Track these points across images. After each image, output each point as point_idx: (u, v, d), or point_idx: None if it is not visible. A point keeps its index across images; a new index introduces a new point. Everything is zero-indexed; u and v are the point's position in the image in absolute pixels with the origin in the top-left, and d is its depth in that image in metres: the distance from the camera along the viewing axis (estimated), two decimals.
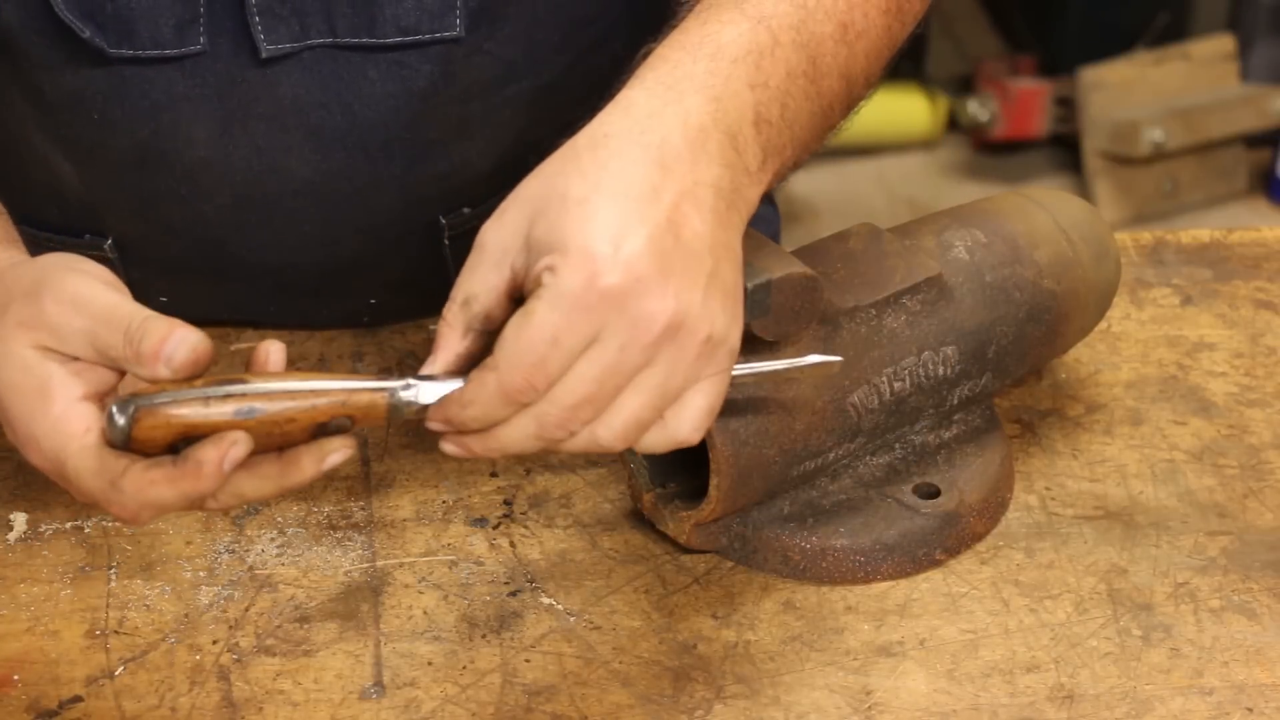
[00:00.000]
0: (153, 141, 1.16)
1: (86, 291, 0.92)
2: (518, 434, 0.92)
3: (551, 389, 0.90)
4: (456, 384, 0.91)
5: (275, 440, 0.90)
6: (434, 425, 0.93)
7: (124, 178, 1.19)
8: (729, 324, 0.93)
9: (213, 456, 0.88)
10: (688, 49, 0.97)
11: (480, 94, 1.18)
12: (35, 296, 0.92)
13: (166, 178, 1.18)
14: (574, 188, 0.90)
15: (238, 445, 0.88)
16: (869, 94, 1.07)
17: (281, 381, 0.90)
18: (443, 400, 0.92)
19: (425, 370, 0.93)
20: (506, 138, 1.21)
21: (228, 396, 0.88)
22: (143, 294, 1.25)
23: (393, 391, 0.91)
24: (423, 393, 0.92)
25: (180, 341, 0.89)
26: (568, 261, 0.89)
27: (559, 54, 1.19)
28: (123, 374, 0.92)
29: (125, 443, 0.88)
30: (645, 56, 0.98)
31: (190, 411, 0.88)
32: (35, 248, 1.25)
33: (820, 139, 1.03)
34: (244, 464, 0.89)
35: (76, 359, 0.92)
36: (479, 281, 0.92)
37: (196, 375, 0.89)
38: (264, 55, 1.12)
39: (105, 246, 1.23)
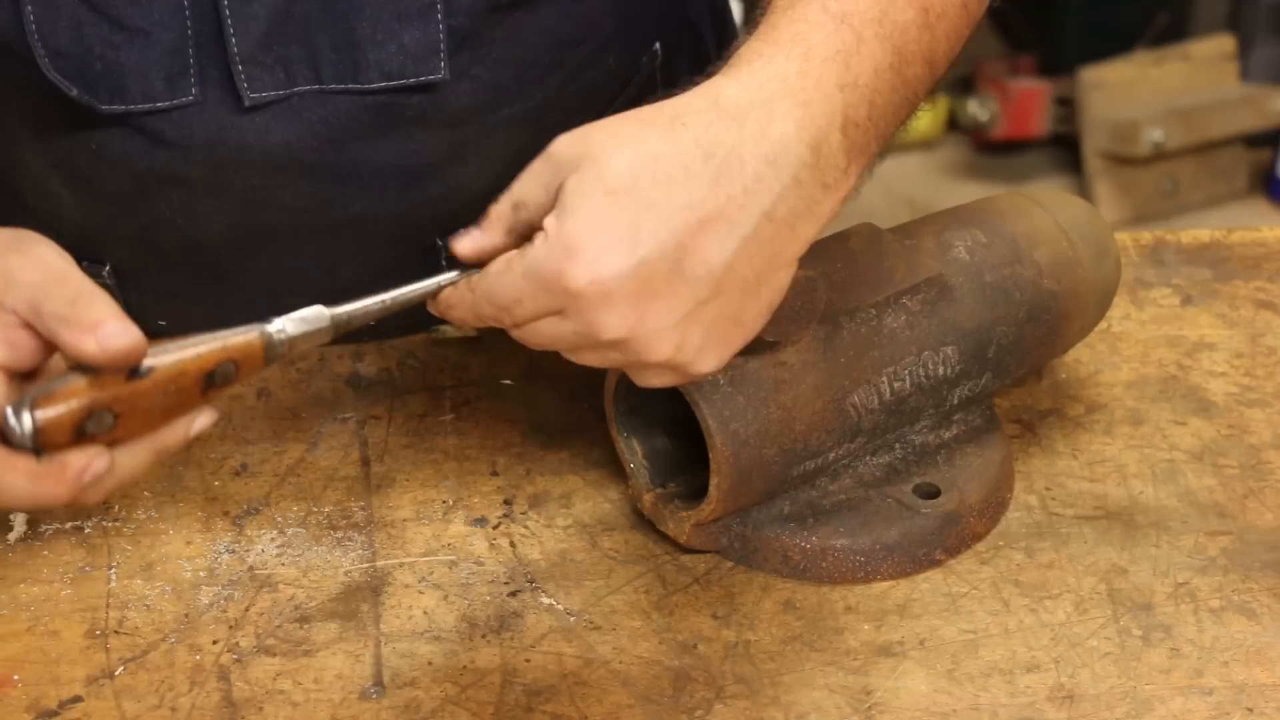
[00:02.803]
0: (148, 176, 1.16)
1: (53, 257, 0.92)
2: None
3: (518, 326, 0.96)
4: (316, 312, 0.97)
5: (171, 400, 0.92)
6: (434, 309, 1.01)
7: (121, 207, 1.19)
8: (702, 352, 0.96)
9: (78, 462, 0.89)
10: (781, 46, 0.97)
11: (472, 119, 1.18)
12: (3, 251, 0.92)
13: (163, 209, 1.18)
14: (617, 167, 0.92)
15: (100, 458, 0.89)
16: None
17: (163, 344, 0.92)
18: (434, 299, 1.00)
19: (464, 236, 0.98)
20: (502, 159, 1.20)
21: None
22: (141, 319, 1.25)
23: (264, 330, 0.95)
24: (290, 327, 0.96)
25: (124, 331, 0.88)
26: (555, 239, 0.92)
27: (550, 75, 1.19)
28: (43, 359, 0.91)
29: (34, 436, 0.88)
30: (736, 48, 0.98)
31: (87, 382, 0.88)
32: None
33: (904, 125, 1.03)
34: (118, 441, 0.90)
35: (11, 317, 0.90)
36: (532, 192, 0.96)
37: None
38: (247, 104, 1.12)
39: (103, 273, 1.23)
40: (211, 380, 0.93)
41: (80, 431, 0.89)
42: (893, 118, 1.00)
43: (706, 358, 0.96)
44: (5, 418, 0.88)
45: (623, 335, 0.93)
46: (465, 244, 0.98)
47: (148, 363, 0.91)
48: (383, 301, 0.99)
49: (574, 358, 0.98)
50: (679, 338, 0.94)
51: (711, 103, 0.94)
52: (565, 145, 0.94)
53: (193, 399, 0.93)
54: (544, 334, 0.96)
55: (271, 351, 0.96)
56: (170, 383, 0.92)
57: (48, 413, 0.88)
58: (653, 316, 0.93)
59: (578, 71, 1.20)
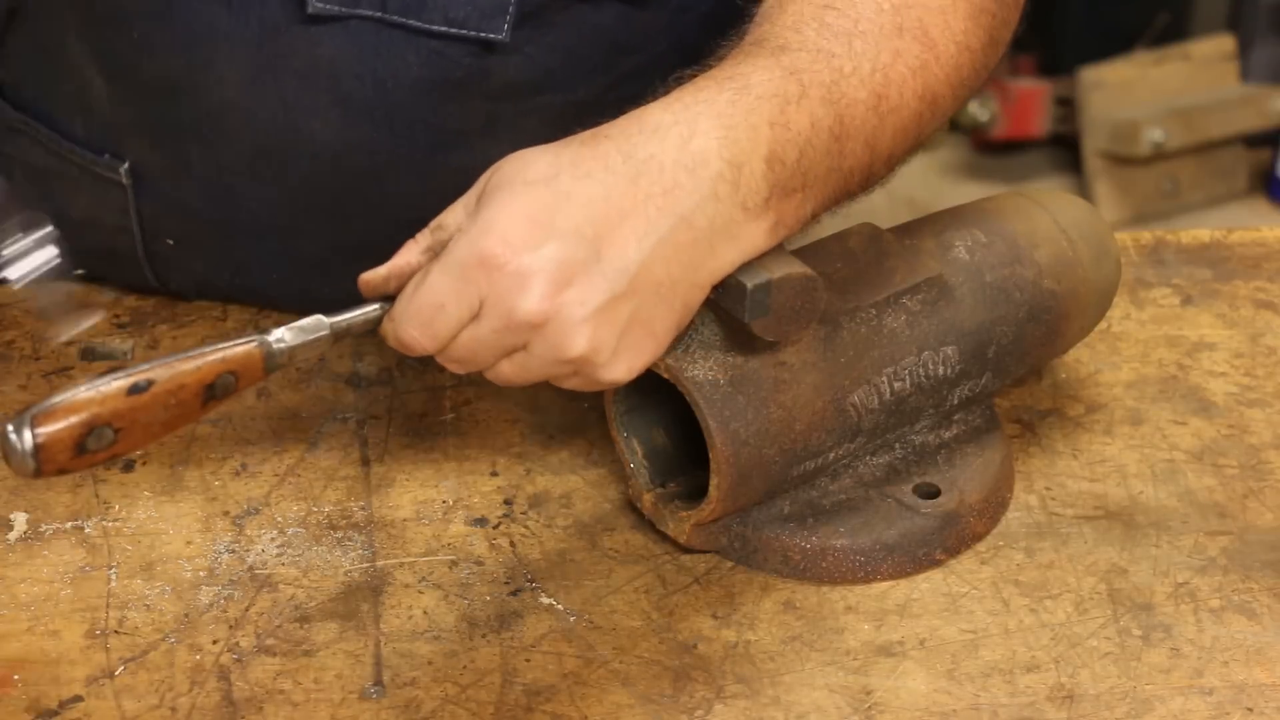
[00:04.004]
0: (185, 73, 1.17)
1: None
2: None
3: (442, 347, 0.98)
4: (315, 321, 0.98)
5: (172, 413, 0.92)
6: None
7: (151, 104, 1.19)
8: (616, 355, 0.98)
9: None
10: (717, 80, 1.00)
11: (513, 95, 1.19)
12: None
13: (191, 113, 1.19)
14: (536, 164, 0.96)
15: None
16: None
17: (162, 359, 0.93)
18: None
19: (380, 268, 1.00)
20: (531, 143, 1.21)
21: (116, 380, 0.90)
22: (152, 231, 1.26)
23: (263, 340, 0.96)
24: (289, 336, 0.97)
25: None
26: (471, 227, 0.95)
27: (597, 74, 1.20)
28: None
29: (35, 453, 0.88)
30: (677, 82, 1.01)
31: (87, 398, 0.88)
32: (57, 160, 1.25)
33: (836, 202, 1.05)
34: None
35: None
36: (453, 216, 0.99)
37: None
38: (310, 11, 1.14)
39: (121, 170, 1.24)
40: (212, 392, 0.94)
41: (81, 448, 0.89)
42: (825, 180, 1.02)
43: (619, 362, 0.98)
44: (5, 435, 0.88)
45: (539, 317, 0.95)
46: (379, 271, 1.00)
47: (147, 376, 0.91)
48: (380, 310, 0.99)
49: (497, 375, 0.99)
50: (594, 332, 0.96)
51: (634, 120, 0.98)
52: (489, 171, 0.99)
53: (193, 411, 0.94)
54: (465, 345, 0.97)
55: (271, 361, 0.96)
56: (170, 396, 0.92)
57: (48, 429, 0.88)
58: (569, 303, 0.95)
59: (624, 79, 1.21)
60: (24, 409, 0.88)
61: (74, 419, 0.88)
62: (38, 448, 0.88)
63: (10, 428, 0.87)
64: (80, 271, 1.31)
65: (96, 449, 0.89)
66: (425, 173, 1.20)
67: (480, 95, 1.18)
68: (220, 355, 0.94)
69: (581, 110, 1.20)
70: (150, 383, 0.91)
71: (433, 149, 1.19)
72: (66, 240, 1.28)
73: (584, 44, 1.19)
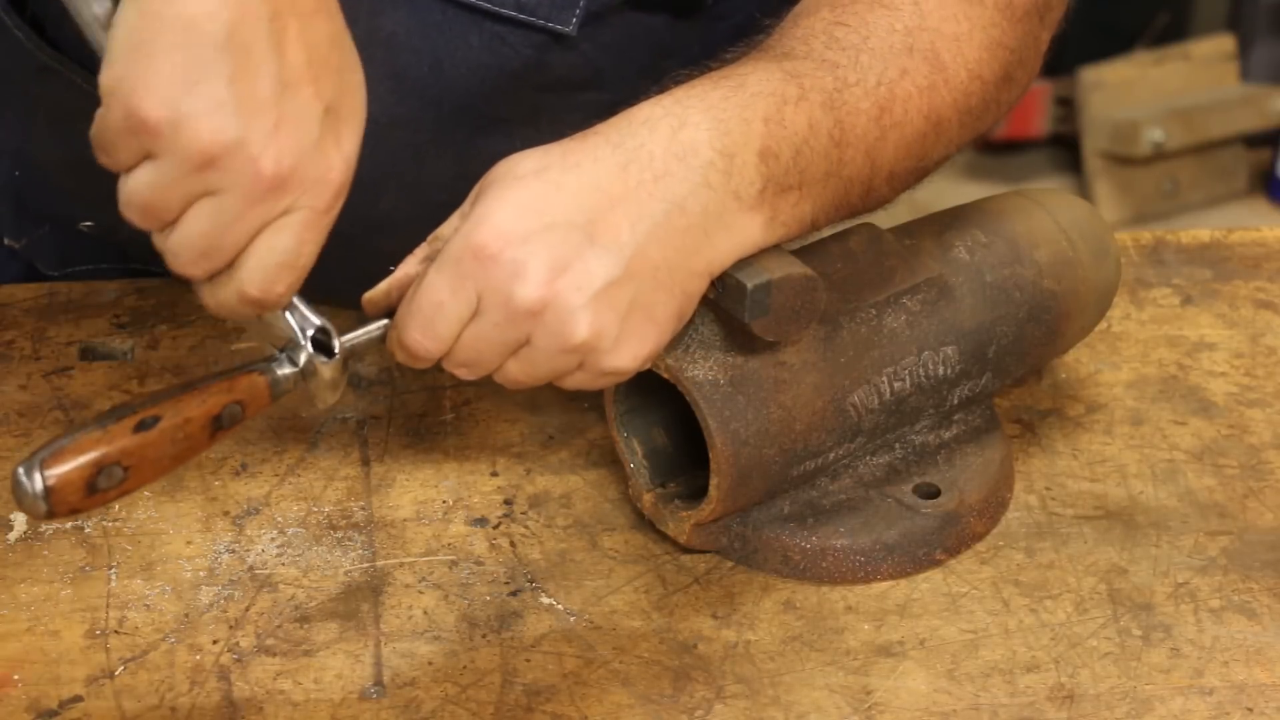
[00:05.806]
0: None
1: None
2: None
3: (446, 349, 0.97)
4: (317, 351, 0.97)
5: (180, 447, 0.92)
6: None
7: None
8: (619, 342, 0.97)
9: None
10: (712, 78, 1.00)
11: (562, 89, 1.19)
12: None
13: None
14: (527, 161, 0.97)
15: None
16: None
17: (167, 391, 0.93)
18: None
19: (381, 284, 1.00)
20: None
21: (122, 418, 0.89)
22: None
23: (268, 368, 0.96)
24: (293, 363, 0.97)
25: None
26: (464, 223, 0.96)
27: (640, 77, 1.20)
28: None
29: (46, 495, 0.88)
30: (674, 81, 1.01)
31: (94, 437, 0.88)
32: (87, 101, 1.25)
33: (836, 210, 1.05)
34: None
35: None
36: (449, 225, 0.99)
37: None
38: None
39: None
40: (219, 423, 0.93)
41: (92, 487, 0.89)
42: (823, 185, 1.01)
43: (623, 350, 0.98)
44: (16, 479, 0.88)
45: (538, 304, 0.95)
46: (380, 286, 1.00)
47: (153, 412, 0.91)
48: (386, 325, 0.99)
49: (505, 376, 0.99)
50: (594, 317, 0.96)
51: (625, 116, 0.99)
52: (482, 178, 0.99)
53: (201, 443, 0.93)
54: (469, 345, 0.97)
55: (277, 389, 0.96)
56: (178, 430, 0.91)
57: (58, 471, 0.87)
58: (566, 288, 0.95)
59: (662, 82, 1.21)
60: (33, 452, 0.88)
61: (83, 459, 0.88)
62: (48, 490, 0.87)
63: (21, 471, 0.87)
64: (89, 224, 1.31)
65: (108, 488, 0.89)
66: (464, 155, 1.20)
67: (532, 86, 1.18)
68: (226, 386, 0.94)
69: (621, 109, 1.21)
70: (157, 418, 0.91)
71: (474, 133, 1.20)
72: (80, 186, 1.27)
73: (634, 45, 1.19)
